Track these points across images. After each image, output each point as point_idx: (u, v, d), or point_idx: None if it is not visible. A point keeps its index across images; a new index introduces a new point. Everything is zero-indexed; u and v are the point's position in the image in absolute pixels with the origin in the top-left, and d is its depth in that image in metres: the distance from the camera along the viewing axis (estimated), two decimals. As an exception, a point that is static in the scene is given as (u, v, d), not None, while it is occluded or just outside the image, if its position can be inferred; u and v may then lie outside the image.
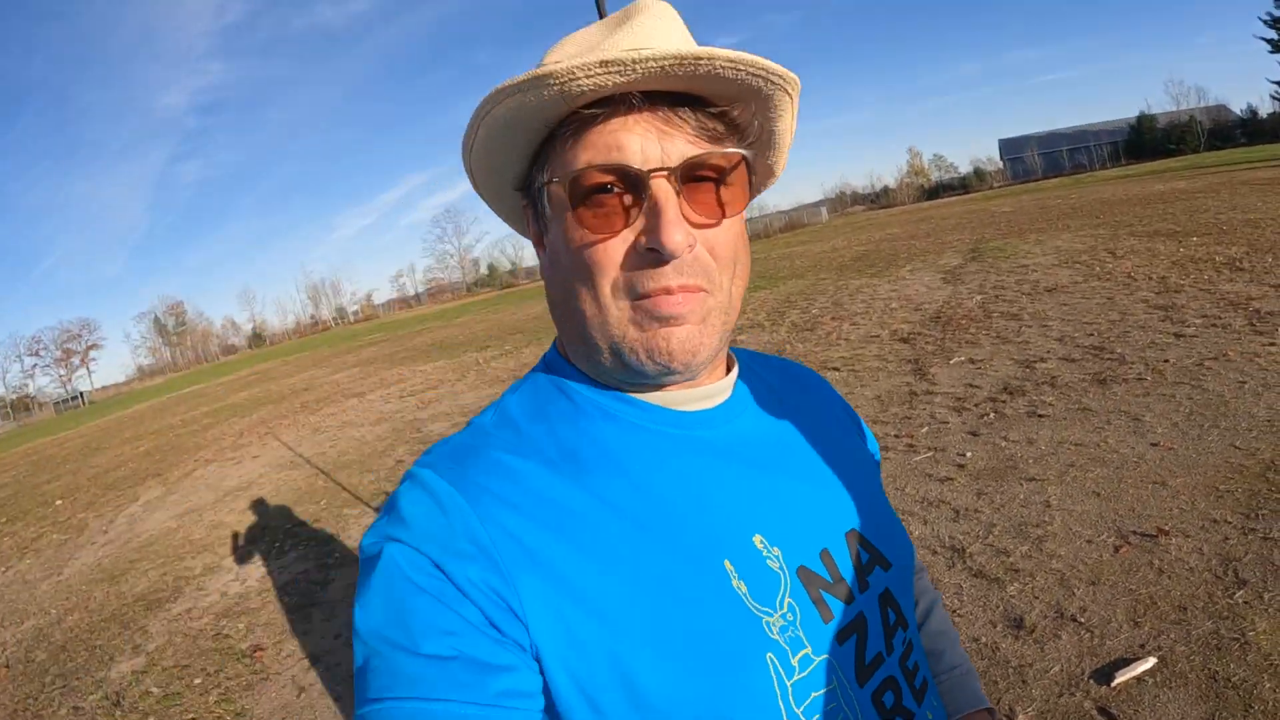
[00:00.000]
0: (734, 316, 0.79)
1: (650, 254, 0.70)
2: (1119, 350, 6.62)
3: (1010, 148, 72.67)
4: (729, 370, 0.88)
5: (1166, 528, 3.57)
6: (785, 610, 0.73)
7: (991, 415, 5.68)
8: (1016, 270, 12.44)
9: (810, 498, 0.82)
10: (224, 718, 3.78)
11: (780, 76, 0.73)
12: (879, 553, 0.84)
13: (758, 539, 0.75)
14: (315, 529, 6.73)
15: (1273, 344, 6.15)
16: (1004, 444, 5.06)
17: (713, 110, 0.73)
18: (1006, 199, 34.44)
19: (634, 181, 0.70)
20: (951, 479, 4.68)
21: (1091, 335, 7.35)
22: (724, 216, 0.74)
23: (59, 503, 11.39)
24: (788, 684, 0.70)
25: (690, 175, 0.72)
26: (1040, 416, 5.41)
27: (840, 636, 0.76)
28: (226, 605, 5.35)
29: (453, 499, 0.70)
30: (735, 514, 0.76)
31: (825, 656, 0.74)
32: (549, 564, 0.67)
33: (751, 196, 0.79)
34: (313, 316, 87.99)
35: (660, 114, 0.70)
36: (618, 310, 0.73)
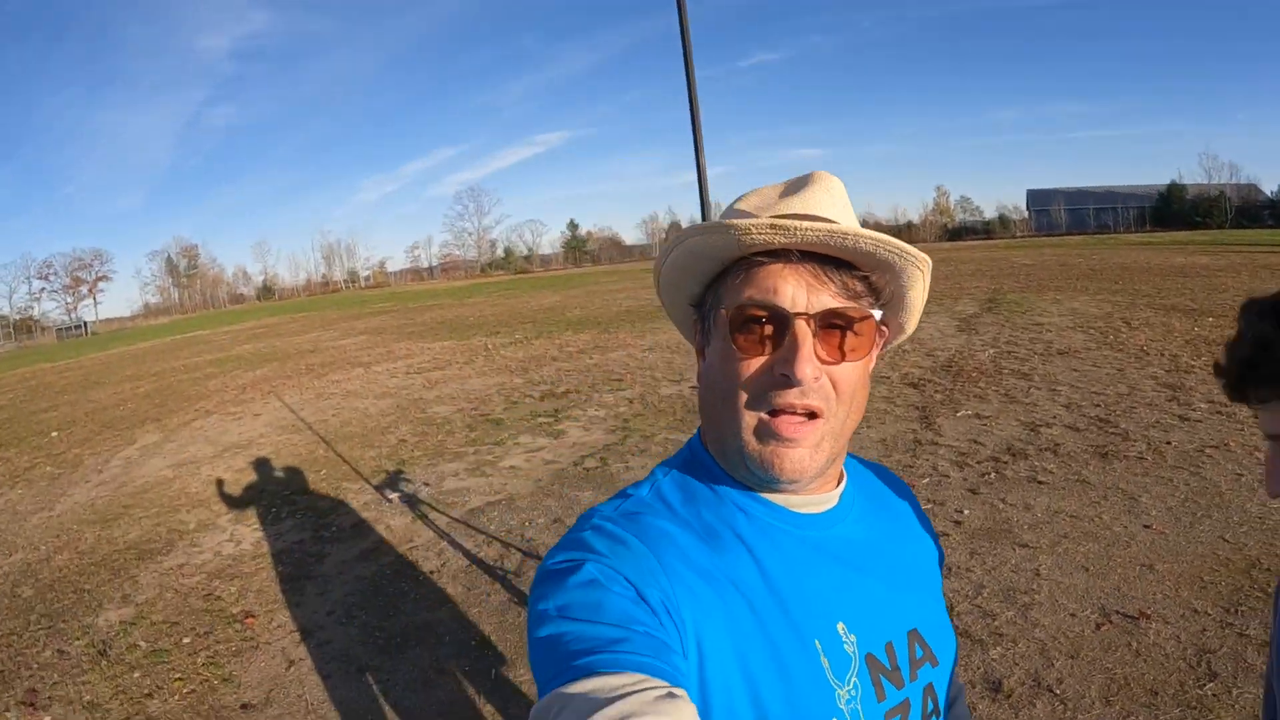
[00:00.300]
0: (844, 443, 0.95)
1: (783, 378, 0.86)
2: (1124, 425, 6.69)
3: (1037, 199, 72.45)
4: (839, 481, 1.03)
5: (1149, 611, 3.65)
6: (851, 686, 0.89)
7: (992, 475, 5.75)
8: (1031, 327, 12.52)
9: (885, 598, 0.98)
10: (211, 681, 3.84)
11: (913, 256, 0.90)
12: (931, 651, 1.01)
13: (840, 626, 0.91)
14: (313, 498, 6.81)
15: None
16: (1001, 506, 5.14)
17: (856, 273, 0.89)
18: (1028, 250, 34.48)
19: (781, 319, 0.86)
20: (947, 534, 4.76)
21: (1098, 406, 7.42)
22: (844, 359, 0.89)
23: (55, 434, 11.44)
24: None
25: (826, 322, 0.87)
26: (1039, 483, 5.48)
27: (888, 715, 0.92)
28: (219, 565, 5.42)
29: (634, 541, 0.87)
30: (828, 602, 0.92)
31: None
32: (700, 597, 0.85)
33: (882, 348, 0.99)
34: (324, 276, 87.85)
35: (811, 269, 0.87)
36: (748, 420, 0.89)
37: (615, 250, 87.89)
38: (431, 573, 5.08)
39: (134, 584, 5.22)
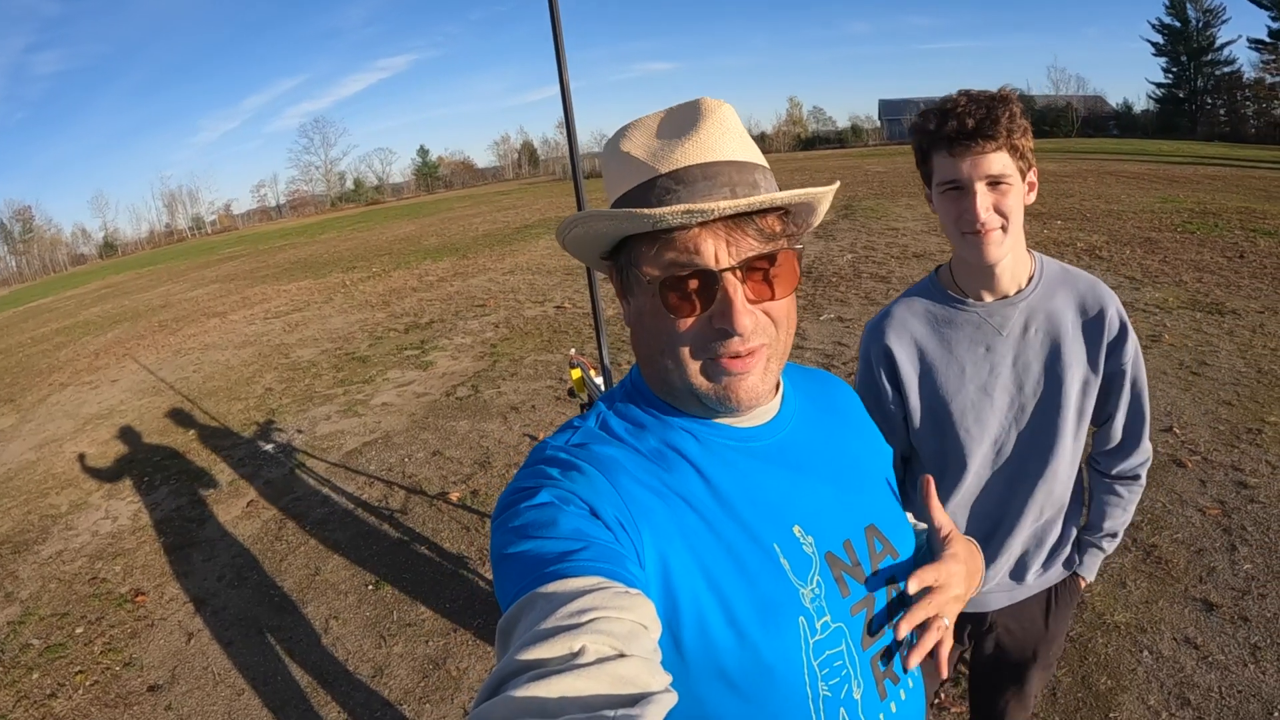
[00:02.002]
0: (785, 358, 1.02)
1: (721, 331, 0.91)
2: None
3: (889, 109, 72.44)
4: (777, 389, 1.09)
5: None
6: (814, 585, 0.96)
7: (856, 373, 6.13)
8: (887, 232, 13.04)
9: (837, 498, 1.05)
10: (113, 669, 3.89)
11: (824, 192, 0.97)
12: (890, 544, 1.07)
13: (796, 528, 0.98)
14: (186, 461, 6.73)
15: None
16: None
17: (771, 214, 0.93)
18: (881, 159, 34.73)
19: (709, 277, 0.90)
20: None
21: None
22: (775, 297, 0.94)
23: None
24: (810, 642, 0.93)
25: (751, 268, 0.91)
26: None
27: (853, 610, 0.99)
28: (100, 546, 5.37)
29: (586, 466, 0.92)
30: (780, 507, 0.98)
31: (840, 624, 0.97)
32: (655, 516, 0.90)
33: (799, 254, 1.00)
34: (168, 226, 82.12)
35: (727, 225, 0.89)
36: (693, 365, 0.94)
37: (468, 174, 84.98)
38: (317, 522, 5.19)
39: (14, 580, 5.11)
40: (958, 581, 1.04)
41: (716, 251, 0.89)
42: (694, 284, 0.90)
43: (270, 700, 3.51)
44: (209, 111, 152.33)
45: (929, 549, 1.10)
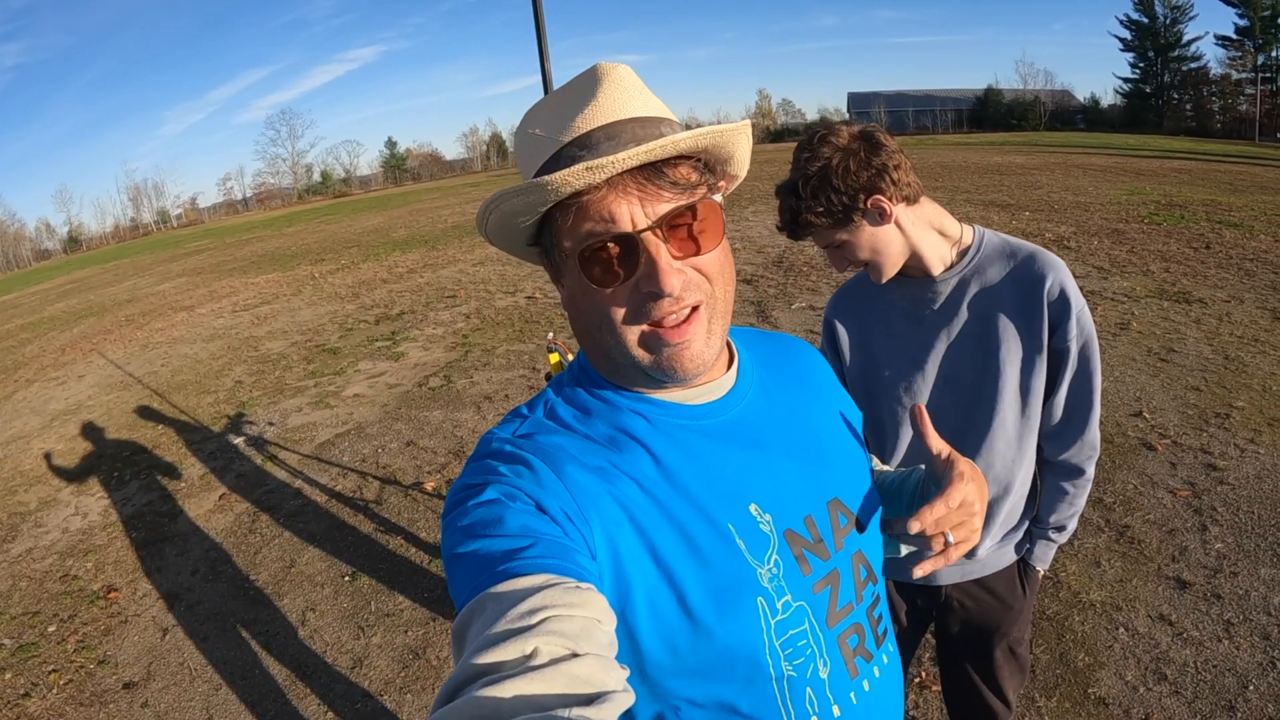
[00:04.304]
0: (729, 315, 0.97)
1: (651, 295, 0.87)
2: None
3: (858, 102, 72.67)
4: (731, 362, 1.06)
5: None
6: (772, 565, 0.93)
7: (813, 340, 6.14)
8: None
9: (797, 472, 1.01)
10: (87, 667, 3.83)
11: (731, 130, 0.92)
12: (855, 518, 1.04)
13: (753, 507, 0.95)
14: (155, 456, 6.64)
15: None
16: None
17: (681, 163, 0.89)
18: None
19: (628, 241, 0.86)
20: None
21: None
22: (701, 251, 0.90)
23: None
24: (771, 622, 0.91)
25: (670, 224, 0.87)
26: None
27: (816, 587, 0.96)
28: (70, 543, 5.29)
29: (532, 459, 0.89)
30: (735, 486, 0.95)
31: (801, 603, 0.94)
32: (603, 504, 0.88)
33: (721, 204, 0.96)
34: (133, 220, 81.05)
35: (636, 181, 0.85)
36: (630, 337, 0.90)
37: (436, 166, 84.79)
38: (291, 514, 5.14)
39: (-18, 578, 5.04)
40: (975, 497, 1.00)
41: (631, 213, 0.85)
42: (614, 250, 0.86)
43: (248, 694, 3.48)
44: (174, 104, 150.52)
45: (931, 477, 1.07)
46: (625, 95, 0.90)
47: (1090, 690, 2.90)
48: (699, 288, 0.90)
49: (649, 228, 0.86)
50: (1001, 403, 1.70)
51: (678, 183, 0.87)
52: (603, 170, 0.81)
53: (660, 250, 0.86)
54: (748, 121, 0.95)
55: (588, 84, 0.91)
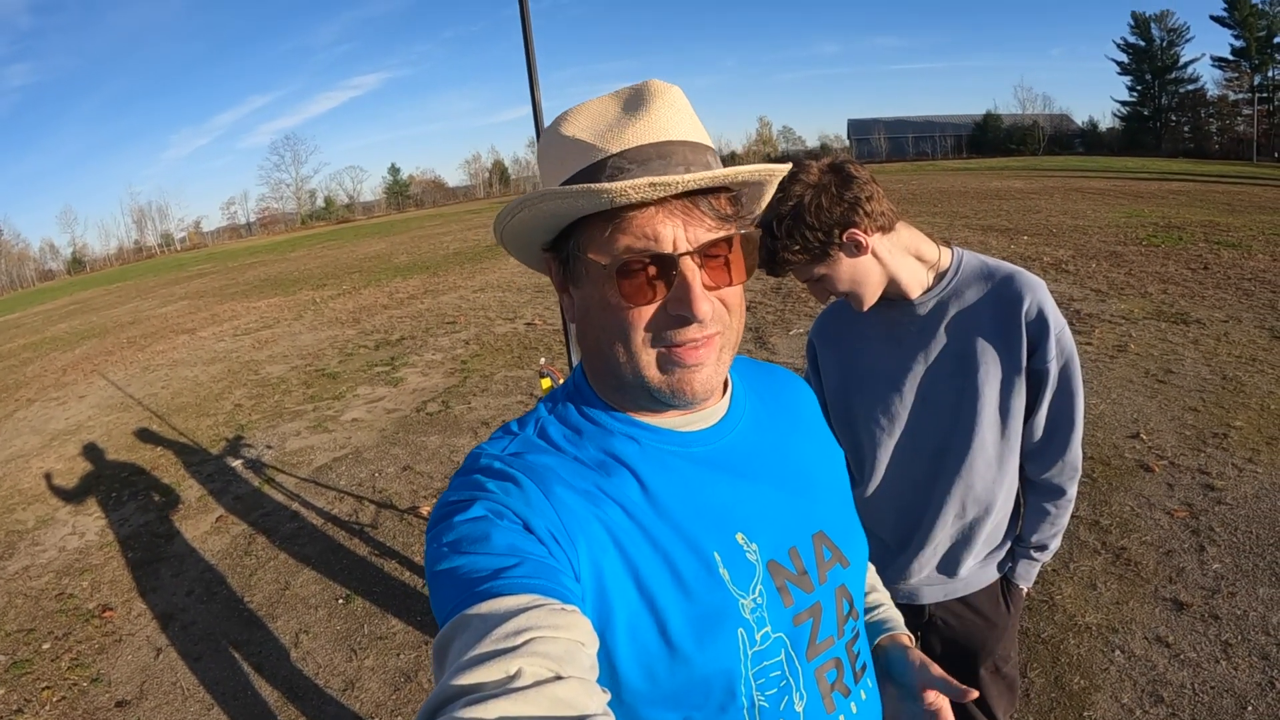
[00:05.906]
0: (737, 349, 0.98)
1: (679, 318, 0.87)
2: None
3: (858, 128, 73.01)
4: (725, 390, 1.06)
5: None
6: (756, 595, 0.92)
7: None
8: None
9: (784, 503, 1.01)
10: (80, 684, 3.82)
11: (781, 172, 0.96)
12: (840, 552, 1.04)
13: (739, 536, 0.94)
14: (154, 477, 6.64)
15: (1089, 344, 6.98)
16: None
17: (723, 195, 0.89)
18: None
19: (667, 263, 0.85)
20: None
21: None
22: (731, 283, 0.91)
23: None
24: (749, 653, 0.90)
25: (707, 253, 0.87)
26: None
27: (797, 619, 0.95)
28: (67, 562, 5.28)
29: (520, 477, 0.88)
30: (723, 514, 0.94)
31: (780, 635, 0.93)
32: (589, 527, 0.87)
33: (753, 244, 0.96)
34: (137, 242, 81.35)
35: (683, 205, 0.85)
36: (648, 357, 0.90)
37: (439, 193, 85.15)
38: (287, 537, 5.13)
39: (-22, 597, 5.03)
40: None
41: (674, 235, 0.85)
42: (652, 270, 0.86)
43: (240, 715, 3.46)
44: (180, 127, 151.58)
45: (908, 691, 1.11)
46: (679, 116, 0.89)
47: (1086, 714, 2.88)
48: (721, 318, 0.91)
49: (689, 252, 0.85)
50: (980, 423, 1.70)
51: (718, 211, 0.87)
52: (668, 188, 0.81)
53: (696, 276, 0.86)
54: (790, 164, 0.98)
55: (640, 98, 0.90)
